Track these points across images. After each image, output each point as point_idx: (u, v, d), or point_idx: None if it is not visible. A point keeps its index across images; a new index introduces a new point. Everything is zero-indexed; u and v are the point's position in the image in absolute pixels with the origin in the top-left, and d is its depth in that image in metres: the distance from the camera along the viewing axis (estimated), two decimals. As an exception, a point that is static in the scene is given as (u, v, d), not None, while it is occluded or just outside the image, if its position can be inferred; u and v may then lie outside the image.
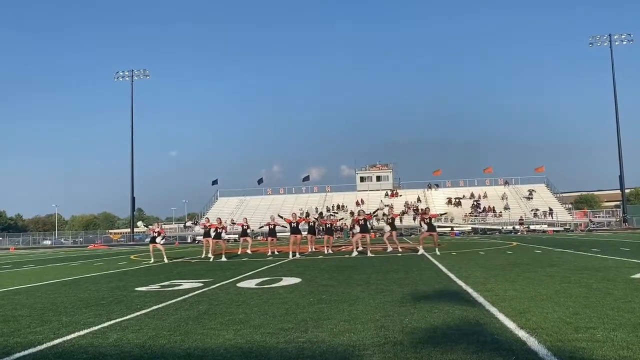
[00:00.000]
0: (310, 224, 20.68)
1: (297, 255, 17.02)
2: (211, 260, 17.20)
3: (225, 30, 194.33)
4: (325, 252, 19.01)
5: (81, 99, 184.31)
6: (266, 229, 21.17)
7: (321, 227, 22.09)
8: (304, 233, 20.25)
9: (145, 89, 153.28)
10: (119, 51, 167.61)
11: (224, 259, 17.23)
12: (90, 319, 6.06)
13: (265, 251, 20.05)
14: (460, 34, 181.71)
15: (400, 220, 51.45)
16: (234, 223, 24.28)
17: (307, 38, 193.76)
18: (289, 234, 18.13)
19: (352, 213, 57.25)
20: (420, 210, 18.05)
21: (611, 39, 56.43)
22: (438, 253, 15.69)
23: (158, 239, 18.15)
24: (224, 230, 18.65)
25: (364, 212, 18.95)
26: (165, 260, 17.14)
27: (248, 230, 22.34)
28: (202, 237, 21.76)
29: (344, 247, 23.97)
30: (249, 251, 21.09)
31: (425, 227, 16.54)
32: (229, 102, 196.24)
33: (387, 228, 19.48)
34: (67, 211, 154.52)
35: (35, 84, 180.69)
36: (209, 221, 19.69)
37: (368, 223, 17.96)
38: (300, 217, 18.52)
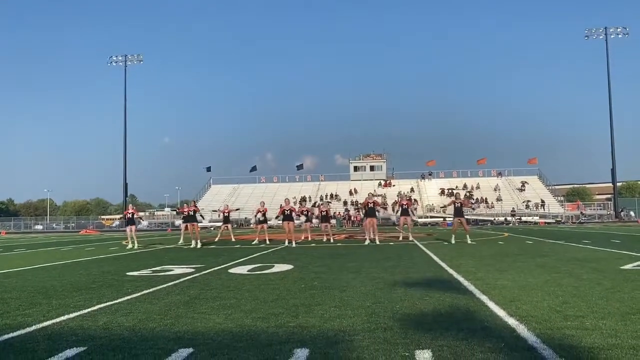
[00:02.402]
0: (304, 212, 20.70)
1: (293, 244, 16.80)
2: (199, 247, 16.93)
3: (220, 17, 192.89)
4: (324, 239, 18.83)
5: (74, 83, 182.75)
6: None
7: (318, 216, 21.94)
8: (297, 221, 20.22)
9: (138, 75, 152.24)
10: (113, 36, 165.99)
11: (198, 244, 17.09)
12: (80, 302, 6.04)
13: (252, 238, 19.87)
14: (455, 27, 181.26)
15: (393, 210, 51.75)
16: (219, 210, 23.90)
17: (304, 29, 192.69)
18: (281, 221, 18.07)
19: (345, 202, 57.44)
20: (455, 196, 17.60)
21: (607, 32, 56.34)
22: (469, 241, 15.89)
23: (134, 223, 18.21)
24: (197, 213, 18.39)
25: (371, 195, 18.72)
26: (135, 246, 17.17)
27: (230, 218, 22.25)
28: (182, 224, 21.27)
29: (335, 235, 24.02)
30: (233, 239, 20.87)
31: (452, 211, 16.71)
32: (223, 90, 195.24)
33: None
34: (60, 196, 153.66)
35: (28, 69, 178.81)
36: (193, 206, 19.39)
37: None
38: (292, 207, 18.46)
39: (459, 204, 16.65)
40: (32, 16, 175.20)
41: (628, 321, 4.41)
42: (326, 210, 20.50)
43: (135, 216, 18.61)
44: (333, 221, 22.67)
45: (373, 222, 17.40)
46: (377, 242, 16.52)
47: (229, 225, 21.42)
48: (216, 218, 48.31)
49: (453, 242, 16.00)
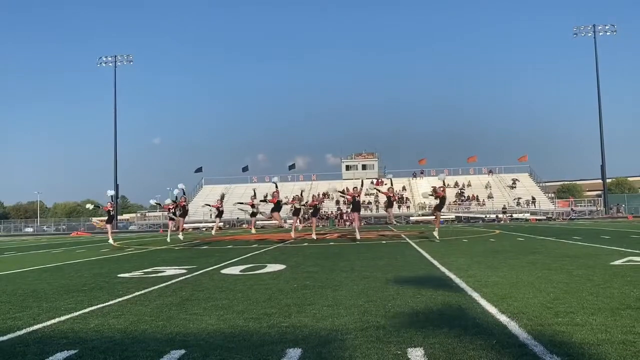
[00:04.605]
0: (296, 206, 20.74)
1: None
2: (182, 238, 16.77)
3: (211, 17, 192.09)
4: (314, 237, 18.84)
5: (63, 84, 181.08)
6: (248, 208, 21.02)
7: (310, 210, 21.91)
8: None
9: (128, 75, 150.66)
10: (102, 36, 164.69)
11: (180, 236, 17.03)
12: (71, 305, 5.99)
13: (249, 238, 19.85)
14: (444, 25, 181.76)
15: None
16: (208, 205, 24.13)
17: (296, 30, 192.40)
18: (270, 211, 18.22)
19: (337, 201, 57.44)
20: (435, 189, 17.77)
21: (595, 30, 56.83)
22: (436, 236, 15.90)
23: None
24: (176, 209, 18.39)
25: (356, 189, 18.69)
26: (111, 241, 17.22)
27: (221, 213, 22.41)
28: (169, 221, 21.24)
29: (328, 234, 24.04)
30: (213, 232, 20.92)
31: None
32: (214, 90, 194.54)
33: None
34: (50, 198, 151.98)
35: (16, 69, 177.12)
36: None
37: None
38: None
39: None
40: (21, 15, 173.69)
41: (618, 316, 4.45)
42: (317, 202, 20.62)
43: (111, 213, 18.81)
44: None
45: (355, 217, 17.55)
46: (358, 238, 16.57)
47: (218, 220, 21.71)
48: (207, 218, 48.31)
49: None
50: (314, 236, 18.92)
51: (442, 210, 18.52)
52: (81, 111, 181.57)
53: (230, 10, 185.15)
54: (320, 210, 20.42)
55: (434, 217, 17.01)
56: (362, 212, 48.60)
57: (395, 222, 18.89)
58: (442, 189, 16.95)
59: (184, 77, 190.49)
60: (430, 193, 17.11)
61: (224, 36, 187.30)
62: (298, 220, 20.47)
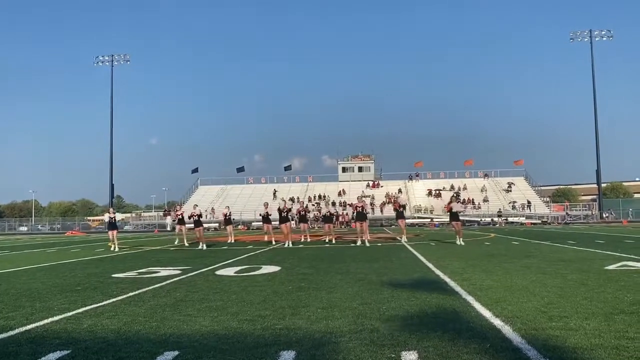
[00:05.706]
0: (302, 212, 21.08)
1: (289, 244, 17.07)
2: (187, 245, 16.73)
3: (207, 18, 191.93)
4: (327, 240, 19.09)
5: (60, 83, 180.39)
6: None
7: (320, 217, 22.25)
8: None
9: (125, 75, 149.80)
10: (99, 36, 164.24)
11: (203, 247, 17.03)
12: (65, 304, 5.97)
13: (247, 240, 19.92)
14: (443, 28, 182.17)
15: (381, 211, 51.82)
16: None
17: (292, 31, 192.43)
18: (278, 223, 18.43)
19: (333, 203, 57.45)
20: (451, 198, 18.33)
21: (591, 35, 57.09)
22: (462, 243, 16.02)
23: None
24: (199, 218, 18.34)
25: (359, 198, 19.05)
26: (116, 248, 17.05)
27: (232, 219, 22.45)
28: (177, 225, 21.35)
29: (324, 236, 24.00)
30: (232, 239, 20.93)
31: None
32: (211, 90, 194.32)
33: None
34: (45, 197, 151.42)
35: (13, 68, 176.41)
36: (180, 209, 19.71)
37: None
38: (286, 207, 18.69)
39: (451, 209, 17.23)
40: (14, 16, 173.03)
41: (611, 321, 4.46)
42: (304, 210, 21.10)
43: (115, 220, 18.69)
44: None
45: (362, 225, 17.52)
46: (367, 244, 16.56)
47: (230, 227, 21.83)
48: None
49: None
50: (332, 240, 19.16)
51: (438, 214, 18.73)
52: (78, 111, 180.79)
53: (230, 10, 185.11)
54: (333, 216, 20.93)
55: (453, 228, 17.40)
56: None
57: (401, 237, 18.92)
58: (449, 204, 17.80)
59: (181, 78, 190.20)
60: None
61: (223, 36, 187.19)
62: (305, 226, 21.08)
